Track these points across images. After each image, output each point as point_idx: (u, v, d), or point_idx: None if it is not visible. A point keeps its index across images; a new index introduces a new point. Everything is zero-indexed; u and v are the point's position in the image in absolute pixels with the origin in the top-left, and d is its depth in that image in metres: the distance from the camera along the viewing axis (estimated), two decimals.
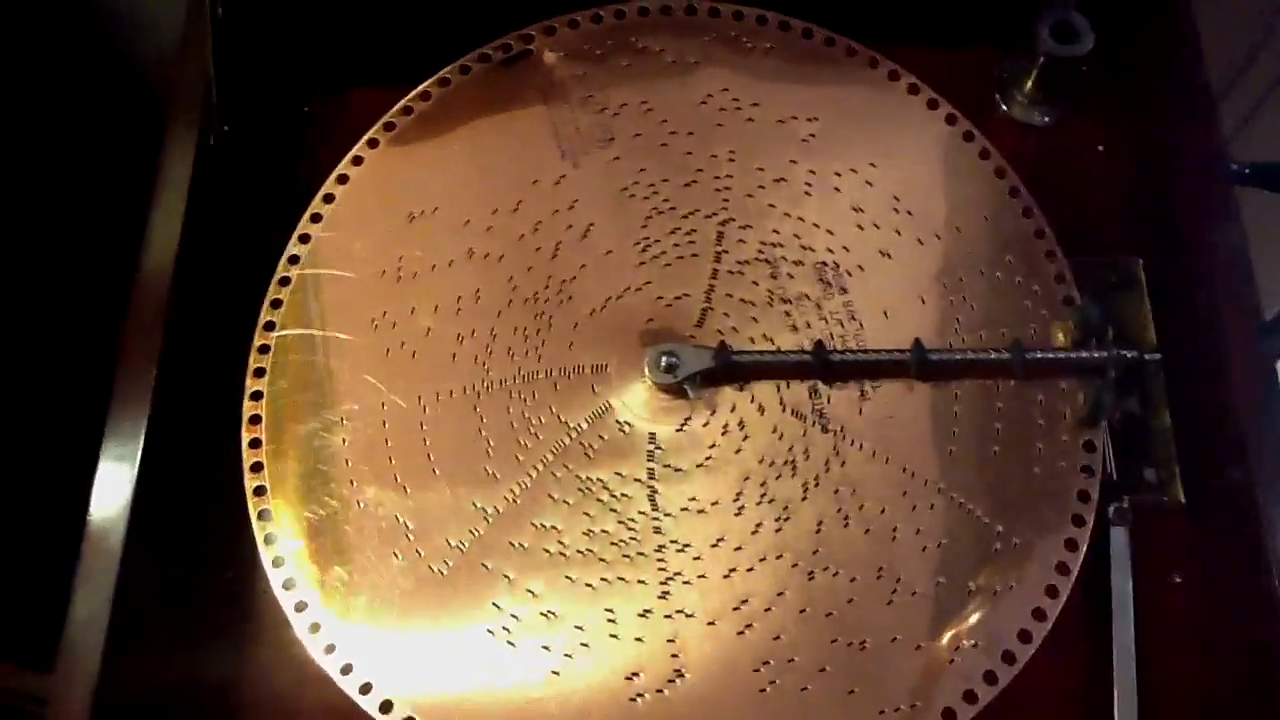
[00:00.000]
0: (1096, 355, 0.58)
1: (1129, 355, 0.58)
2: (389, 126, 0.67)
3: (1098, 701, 0.55)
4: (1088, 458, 0.58)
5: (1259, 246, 0.60)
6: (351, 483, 0.59)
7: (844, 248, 0.63)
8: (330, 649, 0.55)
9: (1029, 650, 0.54)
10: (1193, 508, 0.59)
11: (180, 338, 0.60)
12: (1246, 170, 0.64)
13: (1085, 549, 0.56)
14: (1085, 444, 0.58)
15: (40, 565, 0.59)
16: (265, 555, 0.58)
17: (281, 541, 0.58)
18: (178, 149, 0.64)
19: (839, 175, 0.65)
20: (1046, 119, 0.69)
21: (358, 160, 0.66)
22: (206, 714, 0.58)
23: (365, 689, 0.54)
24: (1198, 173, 0.63)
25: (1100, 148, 0.69)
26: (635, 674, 0.54)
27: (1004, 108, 0.70)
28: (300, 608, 0.56)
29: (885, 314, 0.61)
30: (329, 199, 0.65)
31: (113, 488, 0.56)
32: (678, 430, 0.59)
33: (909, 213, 0.64)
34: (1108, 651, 0.55)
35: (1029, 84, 0.68)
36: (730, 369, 0.59)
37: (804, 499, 0.57)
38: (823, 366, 0.59)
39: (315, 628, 0.56)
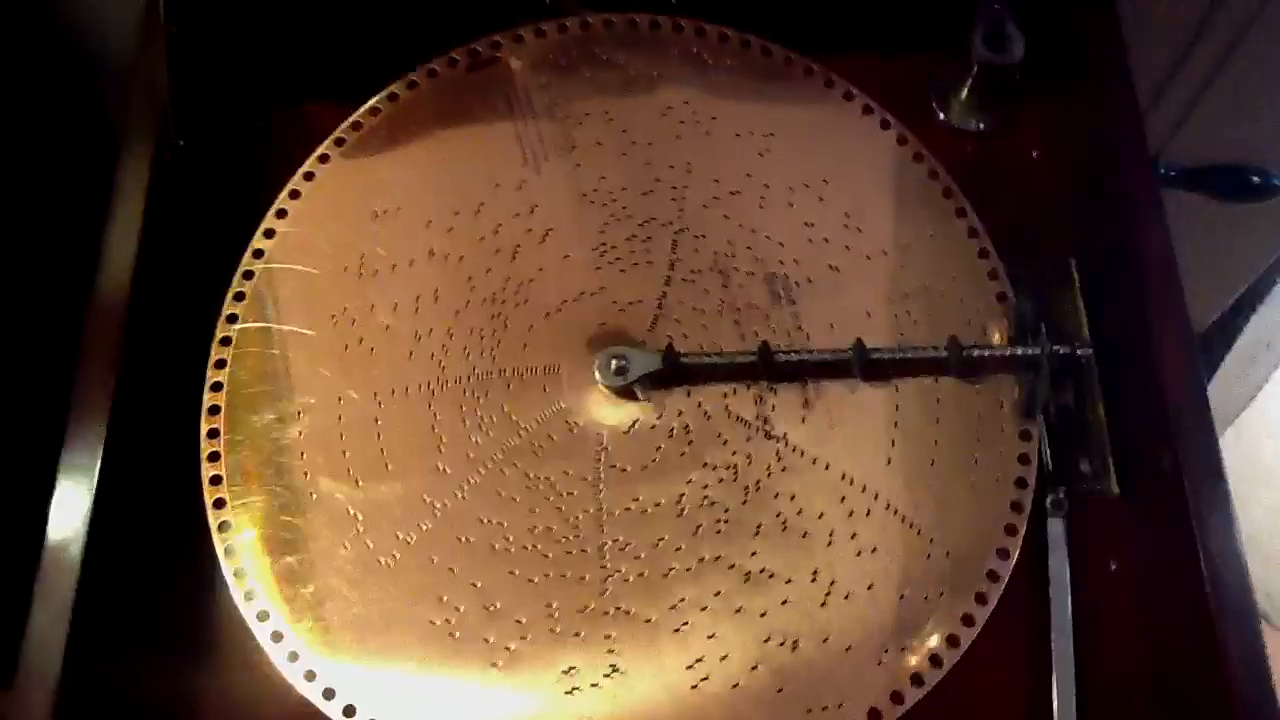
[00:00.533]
0: (1030, 351, 0.60)
1: (1061, 350, 0.61)
2: (355, 126, 0.68)
3: (1041, 686, 0.57)
4: (1024, 451, 0.60)
5: (1185, 245, 0.62)
6: (305, 474, 0.60)
7: (794, 260, 0.65)
8: (278, 637, 0.57)
9: (955, 655, 0.55)
10: (1127, 497, 0.61)
11: (138, 350, 0.61)
12: (1174, 173, 0.67)
13: (1016, 555, 0.58)
14: (1021, 436, 0.60)
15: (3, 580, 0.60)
16: (219, 544, 0.59)
17: (234, 531, 0.59)
18: (133, 164, 0.65)
19: (792, 190, 0.66)
20: (983, 125, 0.71)
21: (324, 158, 0.67)
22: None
23: (310, 676, 0.56)
24: (1127, 175, 0.65)
25: (1035, 152, 0.71)
26: (572, 668, 0.55)
27: (941, 115, 0.72)
28: (250, 596, 0.58)
29: (831, 325, 0.63)
30: (295, 195, 0.66)
31: (72, 498, 0.57)
32: (625, 432, 0.61)
33: (858, 229, 0.65)
34: (1049, 637, 0.57)
35: (965, 91, 0.70)
36: (678, 371, 0.61)
37: (744, 503, 0.59)
38: (768, 368, 0.60)
39: (264, 616, 0.57)
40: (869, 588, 0.57)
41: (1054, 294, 0.65)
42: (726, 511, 0.59)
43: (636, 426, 0.61)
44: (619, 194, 0.66)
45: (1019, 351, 0.61)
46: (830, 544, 0.58)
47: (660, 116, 0.68)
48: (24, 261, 0.91)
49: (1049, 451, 0.61)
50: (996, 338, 0.62)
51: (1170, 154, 0.70)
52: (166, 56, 0.66)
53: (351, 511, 0.59)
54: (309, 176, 0.67)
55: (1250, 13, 0.85)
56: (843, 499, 0.59)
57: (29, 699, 0.53)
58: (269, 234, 0.65)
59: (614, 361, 0.61)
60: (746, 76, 0.69)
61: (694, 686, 0.55)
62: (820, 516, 0.58)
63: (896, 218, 0.66)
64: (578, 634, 0.56)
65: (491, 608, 0.57)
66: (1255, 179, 0.68)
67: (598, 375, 0.61)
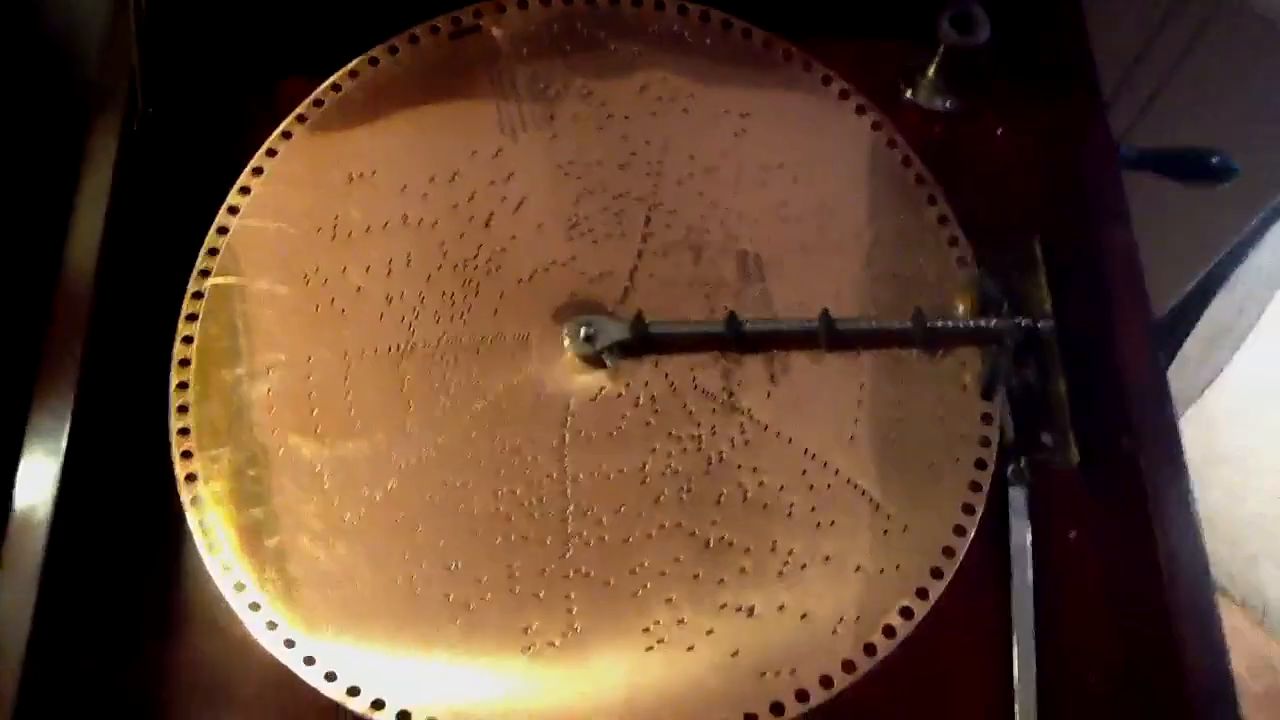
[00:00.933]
0: (993, 325, 0.62)
1: (1024, 323, 0.62)
2: (335, 88, 0.68)
3: (1003, 652, 0.58)
4: (985, 434, 0.61)
5: (1146, 228, 0.63)
6: (273, 430, 0.61)
7: (766, 239, 0.65)
8: (240, 587, 0.57)
9: (909, 626, 0.56)
10: (1086, 469, 0.62)
11: (106, 319, 0.61)
12: (1134, 156, 0.68)
13: (973, 532, 0.59)
14: (983, 419, 0.61)
15: None
16: (185, 495, 0.59)
17: (201, 484, 0.59)
18: (102, 133, 0.65)
19: (767, 170, 0.67)
20: (949, 105, 0.72)
21: (301, 118, 0.68)
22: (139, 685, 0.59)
23: (271, 626, 0.56)
24: (1090, 157, 0.67)
25: (1000, 132, 0.72)
26: (530, 626, 0.56)
27: (909, 95, 0.73)
28: (214, 548, 0.58)
29: (800, 304, 0.64)
30: (271, 153, 0.67)
31: (40, 465, 0.57)
32: (592, 400, 0.61)
33: (831, 211, 0.66)
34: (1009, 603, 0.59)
35: (932, 73, 0.72)
36: (646, 340, 0.62)
37: (707, 473, 0.60)
38: (735, 337, 0.61)
39: (228, 567, 0.58)
40: (826, 559, 0.58)
41: (1019, 273, 0.66)
42: (689, 481, 0.59)
43: (603, 395, 0.62)
44: (595, 167, 0.67)
45: (982, 324, 0.62)
46: (790, 516, 0.59)
47: (639, 92, 0.69)
48: None
49: (1011, 423, 0.62)
50: (957, 304, 0.64)
51: (1135, 137, 0.71)
52: (135, 25, 0.66)
53: (317, 468, 0.60)
54: (286, 135, 0.67)
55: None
56: (804, 472, 0.60)
57: None
58: (244, 191, 0.66)
59: (583, 329, 0.61)
60: (726, 57, 0.70)
61: (649, 649, 0.55)
62: (781, 489, 0.59)
63: (869, 201, 0.67)
64: (537, 595, 0.57)
65: (453, 567, 0.57)
66: (1214, 161, 0.69)
67: (567, 343, 0.62)
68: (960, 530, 0.59)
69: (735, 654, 0.55)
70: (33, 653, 0.54)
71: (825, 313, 0.61)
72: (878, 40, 0.74)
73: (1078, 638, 0.59)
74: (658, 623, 0.56)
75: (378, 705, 0.54)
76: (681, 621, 0.56)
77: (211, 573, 0.57)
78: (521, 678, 0.55)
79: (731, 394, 0.62)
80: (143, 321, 0.63)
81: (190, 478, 0.59)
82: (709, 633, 0.56)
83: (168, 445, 0.60)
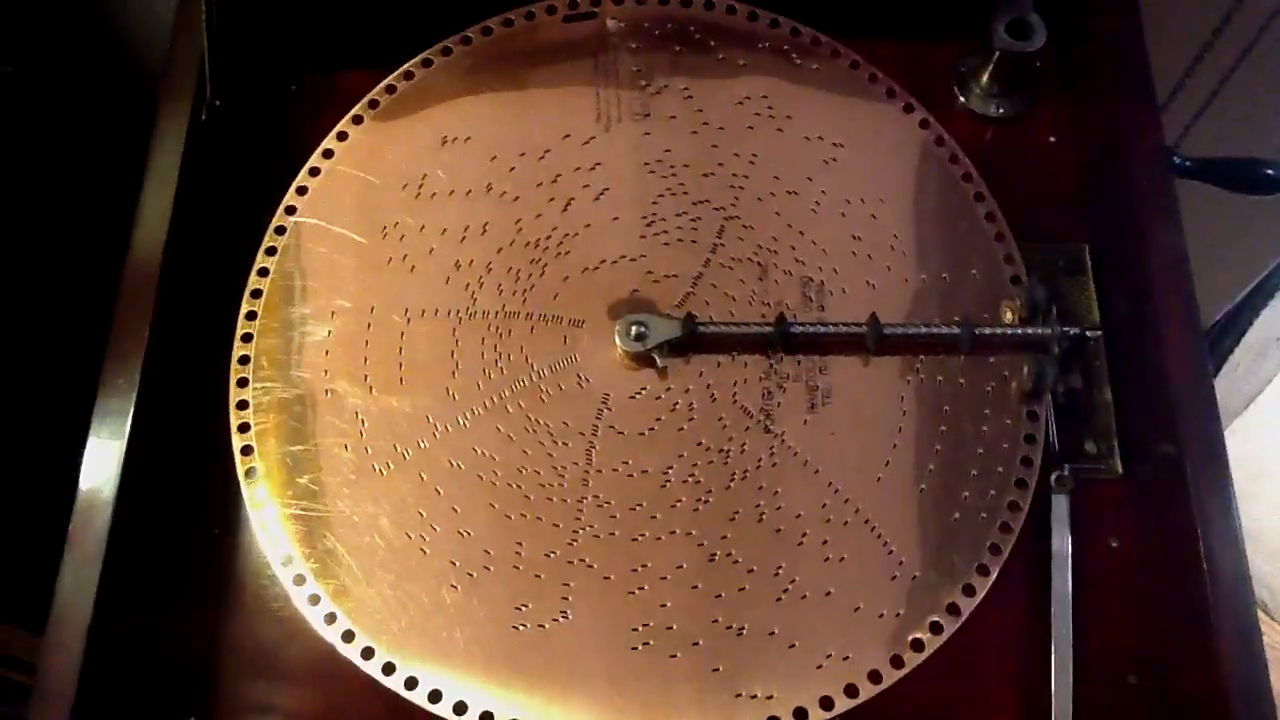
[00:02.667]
0: (1041, 331, 0.62)
1: (1071, 331, 0.62)
2: (446, 51, 0.71)
3: (1039, 653, 0.58)
4: (1014, 499, 0.60)
5: (1198, 238, 0.62)
6: (325, 372, 0.63)
7: (834, 270, 0.66)
8: (266, 524, 0.60)
9: (896, 675, 0.56)
10: (1130, 481, 0.62)
11: (171, 303, 0.63)
12: (1187, 164, 0.67)
13: (984, 592, 0.59)
14: (1017, 484, 0.61)
15: (43, 525, 0.62)
16: (233, 420, 0.62)
17: (250, 412, 0.62)
18: (170, 124, 0.66)
19: (848, 202, 0.67)
20: (1002, 110, 0.72)
21: (409, 75, 0.70)
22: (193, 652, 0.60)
23: (287, 561, 0.59)
24: (1140, 165, 0.65)
25: (1052, 139, 0.72)
26: (524, 605, 0.57)
27: (962, 99, 0.72)
28: (250, 476, 0.61)
29: None
30: (374, 105, 0.69)
31: (105, 445, 0.59)
32: (631, 398, 0.63)
33: (903, 253, 0.66)
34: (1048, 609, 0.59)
35: (985, 78, 0.71)
36: (695, 340, 0.63)
37: (728, 488, 0.60)
38: (783, 338, 0.62)
39: (257, 504, 0.60)
40: (827, 594, 0.58)
41: (1067, 279, 0.66)
42: (709, 493, 0.60)
43: (642, 394, 0.63)
44: (680, 170, 0.68)
45: (1030, 331, 0.62)
46: (800, 545, 0.59)
47: (737, 104, 0.70)
48: (60, 224, 0.95)
49: (1055, 432, 0.62)
50: (1004, 310, 0.64)
51: (1188, 145, 0.69)
52: (204, 17, 0.67)
53: (359, 416, 0.62)
54: (390, 90, 0.69)
55: (1273, 6, 0.85)
56: (824, 505, 0.60)
57: (61, 643, 0.55)
58: (342, 137, 0.68)
59: (634, 328, 0.62)
60: (829, 84, 0.70)
61: (634, 648, 0.56)
62: (798, 517, 0.60)
63: (945, 249, 0.66)
64: (538, 575, 0.58)
65: (465, 534, 0.59)
66: (1269, 172, 0.67)
67: (617, 339, 0.63)
68: (970, 590, 0.58)
69: (716, 670, 0.56)
70: (96, 625, 0.56)
71: (873, 316, 0.62)
72: (930, 42, 0.73)
73: (1116, 644, 0.59)
74: (647, 624, 0.57)
75: (367, 654, 0.56)
76: (670, 628, 0.57)
77: (244, 496, 0.60)
78: (506, 652, 0.57)
79: (769, 415, 0.62)
80: (205, 308, 0.65)
81: (241, 404, 0.62)
82: (695, 644, 0.57)
83: (227, 428, 0.62)
